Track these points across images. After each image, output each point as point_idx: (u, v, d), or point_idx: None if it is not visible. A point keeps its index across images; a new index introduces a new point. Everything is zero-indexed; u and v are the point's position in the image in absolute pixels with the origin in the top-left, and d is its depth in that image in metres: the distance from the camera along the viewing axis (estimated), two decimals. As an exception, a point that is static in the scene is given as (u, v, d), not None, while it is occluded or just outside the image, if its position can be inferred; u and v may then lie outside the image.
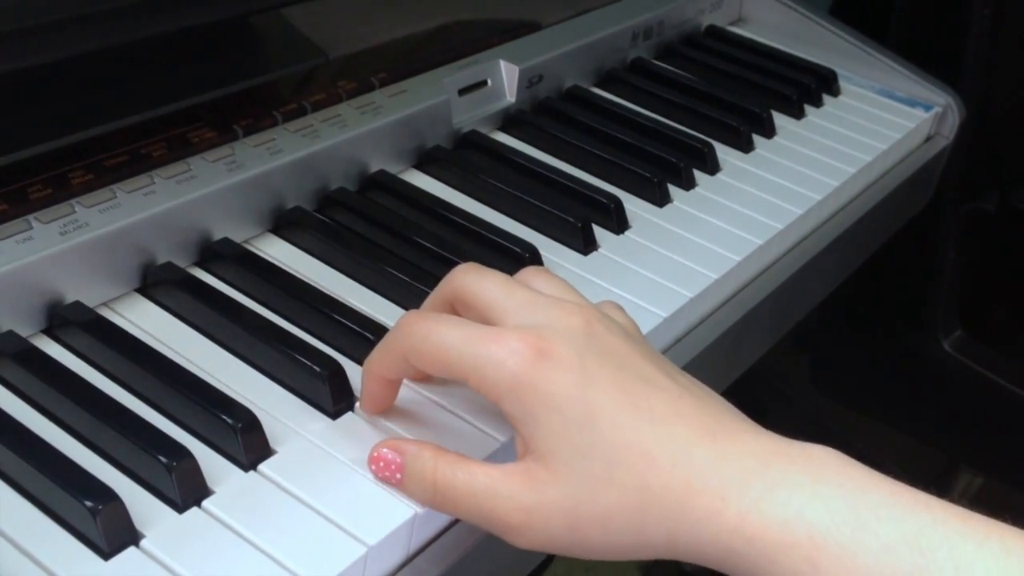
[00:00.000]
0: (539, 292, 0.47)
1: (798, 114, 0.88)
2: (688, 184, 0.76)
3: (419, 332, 0.46)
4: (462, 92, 0.75)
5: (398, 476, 0.46)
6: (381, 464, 0.47)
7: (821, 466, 0.42)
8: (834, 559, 0.39)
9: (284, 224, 0.64)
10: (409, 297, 0.59)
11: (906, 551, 0.39)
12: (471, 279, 0.48)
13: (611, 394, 0.43)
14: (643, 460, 0.42)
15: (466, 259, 0.61)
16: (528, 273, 0.50)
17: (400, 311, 0.59)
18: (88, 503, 0.43)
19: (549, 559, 0.94)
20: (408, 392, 0.53)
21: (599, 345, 0.45)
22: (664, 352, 0.63)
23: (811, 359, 1.30)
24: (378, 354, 0.49)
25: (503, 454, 0.51)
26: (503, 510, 0.44)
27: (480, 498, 0.44)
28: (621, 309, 0.50)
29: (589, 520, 0.43)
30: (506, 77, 0.78)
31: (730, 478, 0.42)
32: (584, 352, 0.44)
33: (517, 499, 0.43)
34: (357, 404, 0.52)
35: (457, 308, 0.49)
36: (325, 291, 0.59)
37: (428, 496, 0.45)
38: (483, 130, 0.77)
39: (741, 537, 0.41)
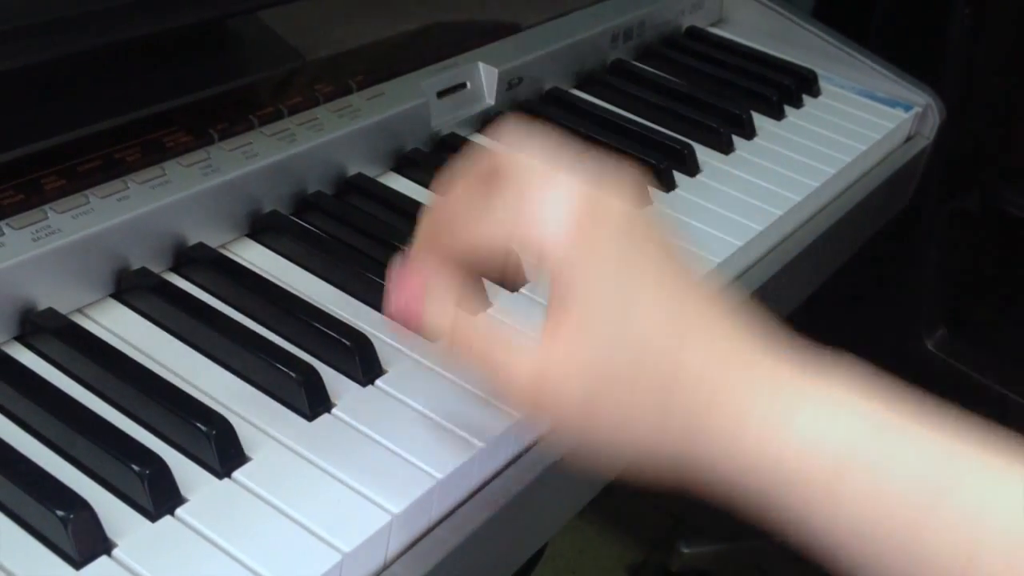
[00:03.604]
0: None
1: (778, 115, 0.88)
2: (667, 186, 0.76)
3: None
4: (441, 94, 0.74)
5: (418, 308, 0.43)
6: (403, 298, 0.44)
7: (847, 388, 0.41)
8: (858, 484, 0.39)
9: (261, 228, 0.63)
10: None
11: (931, 480, 0.38)
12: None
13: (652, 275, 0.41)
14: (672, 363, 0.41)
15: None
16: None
17: (378, 315, 0.59)
18: (59, 512, 0.43)
19: (530, 564, 0.93)
20: (389, 398, 0.53)
21: (646, 229, 0.42)
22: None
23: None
24: (419, 239, 0.46)
25: (482, 459, 0.51)
26: (518, 363, 0.41)
27: (497, 345, 0.41)
28: None
29: (609, 392, 0.40)
30: (485, 79, 0.78)
31: (755, 398, 0.41)
32: (634, 220, 0.42)
33: (537, 354, 0.40)
34: (333, 409, 0.52)
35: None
36: (302, 296, 0.59)
37: (446, 330, 0.43)
38: (462, 133, 0.77)
39: (760, 457, 0.40)
